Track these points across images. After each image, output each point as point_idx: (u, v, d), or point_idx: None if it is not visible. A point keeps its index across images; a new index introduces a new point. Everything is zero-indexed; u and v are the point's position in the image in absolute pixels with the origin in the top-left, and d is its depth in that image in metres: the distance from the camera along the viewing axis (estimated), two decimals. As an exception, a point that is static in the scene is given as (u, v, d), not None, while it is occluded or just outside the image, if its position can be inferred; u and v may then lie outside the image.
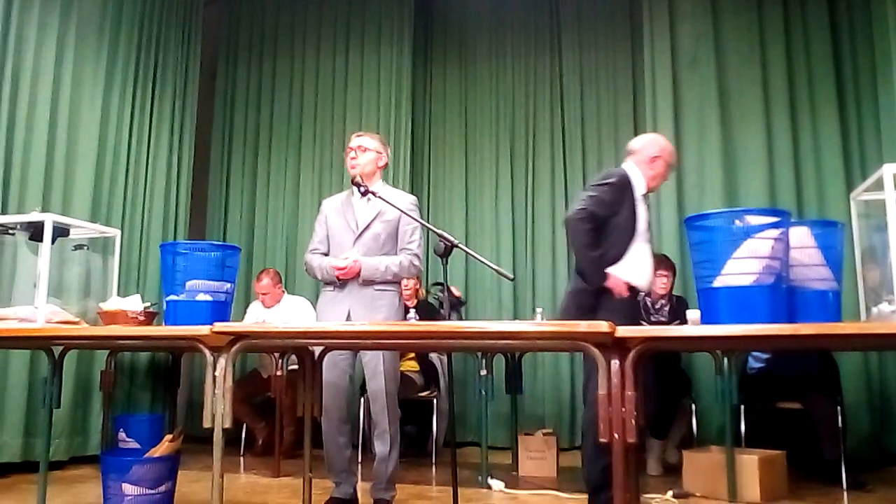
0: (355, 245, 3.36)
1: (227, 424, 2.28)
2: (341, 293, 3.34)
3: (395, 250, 3.39)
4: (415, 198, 3.54)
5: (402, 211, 3.27)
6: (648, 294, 4.63)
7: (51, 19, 4.76)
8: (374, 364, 3.30)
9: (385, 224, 3.38)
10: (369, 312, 3.27)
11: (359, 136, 3.51)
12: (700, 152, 5.35)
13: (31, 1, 4.63)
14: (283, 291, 5.53)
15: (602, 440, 1.92)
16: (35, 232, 3.42)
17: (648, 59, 5.58)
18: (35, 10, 4.65)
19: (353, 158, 3.43)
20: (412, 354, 5.08)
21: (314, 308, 5.38)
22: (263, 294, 5.40)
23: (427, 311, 5.23)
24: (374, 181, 3.44)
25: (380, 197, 3.29)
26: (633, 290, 3.13)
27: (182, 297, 2.65)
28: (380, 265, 3.30)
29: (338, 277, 3.29)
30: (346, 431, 3.36)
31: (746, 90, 5.34)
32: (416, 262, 3.39)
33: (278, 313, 5.36)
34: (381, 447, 3.32)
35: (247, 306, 5.77)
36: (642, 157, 3.34)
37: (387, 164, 3.55)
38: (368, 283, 3.31)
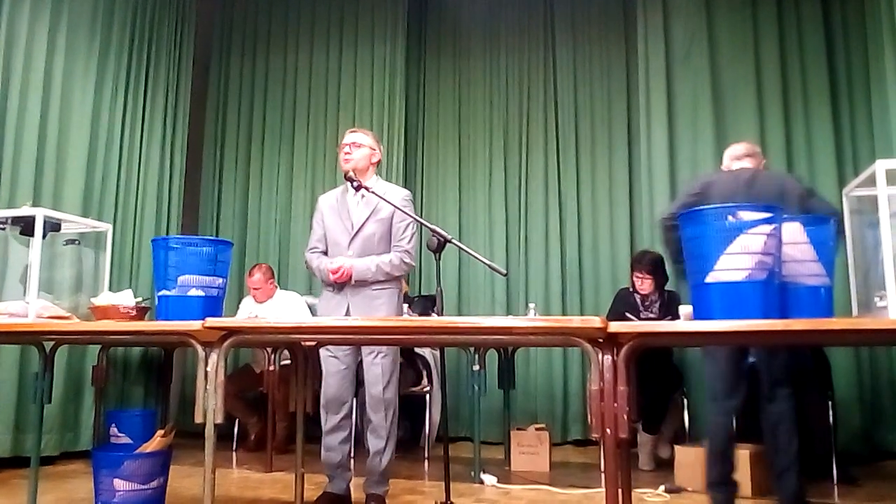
0: (351, 245, 3.38)
1: (220, 419, 2.27)
2: (340, 293, 3.36)
3: (391, 247, 3.40)
4: (408, 192, 3.54)
5: (395, 206, 3.29)
6: (637, 291, 4.64)
7: (42, 12, 4.73)
8: (373, 358, 3.31)
9: (379, 223, 3.40)
10: (369, 311, 3.30)
11: (352, 132, 3.52)
12: (693, 148, 5.36)
13: (22, -7, 4.61)
14: (276, 286, 5.52)
15: (594, 435, 1.93)
16: (26, 226, 3.40)
17: (642, 55, 5.59)
18: (26, 2, 4.61)
19: (346, 153, 3.43)
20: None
21: (306, 303, 5.41)
22: (255, 289, 5.39)
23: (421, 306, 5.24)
24: (368, 177, 3.45)
25: (372, 192, 3.30)
26: None
27: (174, 292, 2.63)
28: (371, 265, 3.31)
29: (334, 281, 3.32)
30: (346, 427, 3.38)
31: (740, 86, 5.35)
32: (407, 259, 3.40)
33: (270, 308, 5.35)
34: (375, 442, 3.32)
35: (239, 301, 5.75)
36: (759, 159, 3.50)
37: (380, 160, 3.57)
38: (364, 283, 3.32)
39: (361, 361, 3.39)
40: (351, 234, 3.40)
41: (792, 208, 3.10)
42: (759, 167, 3.46)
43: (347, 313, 3.31)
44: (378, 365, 3.30)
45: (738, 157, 3.49)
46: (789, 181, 3.41)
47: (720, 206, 2.27)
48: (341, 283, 3.34)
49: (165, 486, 3.33)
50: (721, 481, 3.19)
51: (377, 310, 3.32)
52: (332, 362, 3.34)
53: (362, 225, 3.40)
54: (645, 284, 4.60)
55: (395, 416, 3.36)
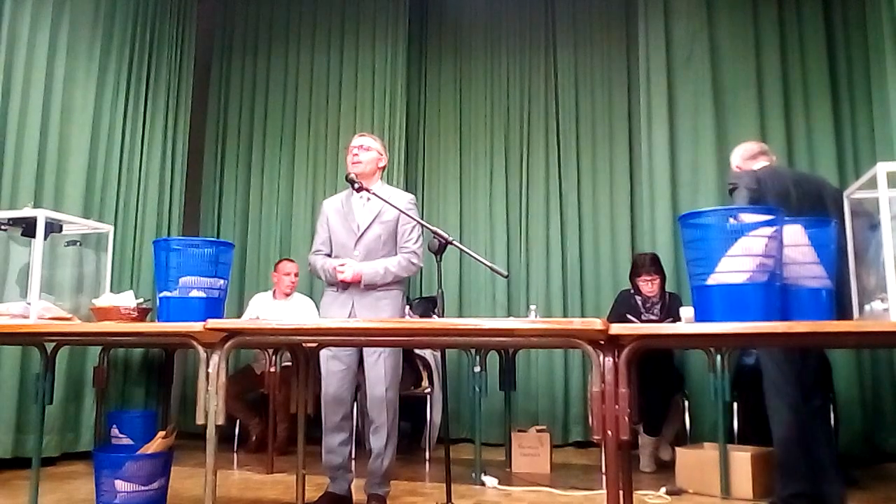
0: (357, 247, 3.38)
1: (221, 421, 2.27)
2: (344, 293, 3.36)
3: (396, 249, 3.41)
4: (413, 196, 3.57)
5: (400, 210, 3.30)
6: (639, 292, 4.64)
7: (44, 13, 4.74)
8: (375, 359, 3.32)
9: (384, 225, 3.41)
10: (373, 312, 3.30)
11: (361, 136, 3.55)
12: (694, 150, 5.36)
13: (24, -5, 4.61)
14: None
15: (596, 437, 1.93)
16: (27, 228, 3.40)
17: (643, 56, 5.59)
18: (28, 3, 4.62)
19: (355, 156, 3.45)
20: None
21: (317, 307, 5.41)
22: (286, 274, 5.37)
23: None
24: (374, 181, 3.47)
25: (374, 193, 3.32)
26: None
27: (175, 293, 2.63)
28: (379, 269, 3.32)
29: (341, 280, 3.32)
30: (346, 428, 3.39)
31: (741, 88, 5.36)
32: (415, 261, 3.41)
33: (289, 308, 5.34)
34: (377, 443, 3.32)
35: (241, 303, 5.77)
36: (772, 157, 3.60)
37: (386, 165, 3.59)
38: (371, 286, 3.32)
39: (362, 363, 3.39)
40: (356, 235, 3.40)
41: (829, 211, 3.12)
42: (773, 165, 3.48)
43: (352, 314, 3.31)
44: (380, 366, 3.30)
45: (753, 156, 3.50)
46: (825, 184, 3.45)
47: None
48: (346, 283, 3.35)
49: (167, 487, 3.33)
50: (807, 492, 3.13)
51: (382, 310, 3.33)
52: (334, 363, 3.34)
53: (367, 227, 3.41)
54: (654, 286, 4.60)
55: (395, 417, 3.37)
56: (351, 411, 3.48)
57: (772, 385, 3.23)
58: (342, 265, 3.31)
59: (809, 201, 3.22)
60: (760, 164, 3.45)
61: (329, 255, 3.48)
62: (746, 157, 3.53)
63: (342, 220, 3.48)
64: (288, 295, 5.43)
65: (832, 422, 4.16)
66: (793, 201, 3.20)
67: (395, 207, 3.31)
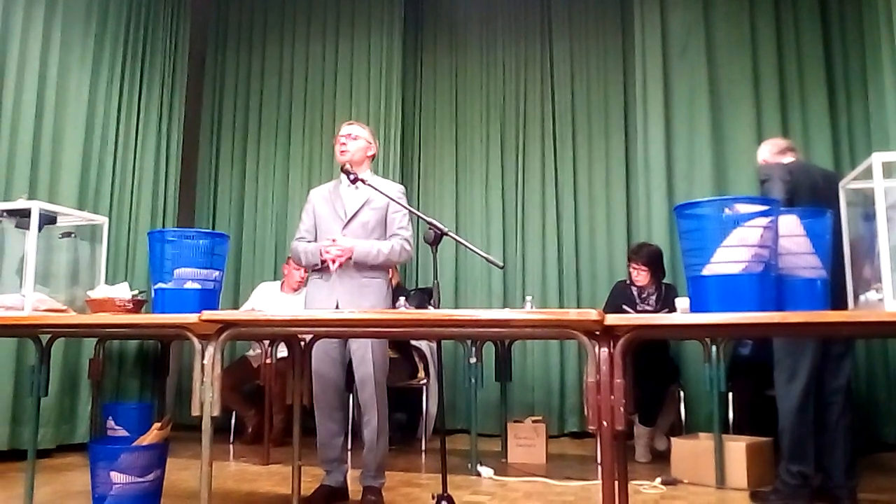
0: (344, 231, 3.36)
1: (216, 412, 2.27)
2: (329, 281, 3.33)
3: (384, 238, 3.39)
4: (403, 187, 3.56)
5: (390, 198, 3.28)
6: (633, 283, 4.65)
7: (37, 4, 4.71)
8: (363, 352, 3.31)
9: (374, 211, 3.39)
10: (357, 300, 3.27)
11: (349, 124, 3.53)
12: (690, 141, 5.37)
13: (17, -15, 4.58)
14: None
15: (591, 427, 1.93)
16: (22, 219, 3.38)
17: (639, 48, 5.58)
18: (21, -6, 4.60)
19: (342, 145, 3.43)
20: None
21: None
22: (297, 270, 5.35)
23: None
24: (363, 170, 3.45)
25: (368, 184, 3.29)
26: None
27: (170, 284, 2.62)
28: (372, 249, 3.30)
29: (332, 261, 3.27)
30: (338, 419, 3.38)
31: (736, 79, 5.36)
32: (408, 247, 3.40)
33: (295, 302, 5.31)
34: (369, 435, 3.32)
35: (236, 294, 5.75)
36: (798, 153, 3.64)
37: (375, 154, 3.57)
38: (361, 267, 3.29)
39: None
40: (344, 220, 3.38)
41: None
42: (801, 160, 3.55)
43: (336, 302, 3.29)
44: (368, 360, 3.30)
45: (781, 151, 3.55)
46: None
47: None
48: (329, 269, 3.30)
49: (162, 478, 3.33)
50: (807, 473, 3.27)
51: (365, 298, 3.29)
52: (324, 357, 3.32)
53: (357, 212, 3.39)
54: (641, 276, 4.61)
55: (386, 408, 3.37)
56: (345, 403, 3.47)
57: (787, 368, 3.31)
58: (332, 242, 3.27)
59: (837, 196, 3.25)
60: (788, 159, 3.49)
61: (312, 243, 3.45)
62: (775, 151, 3.57)
63: (329, 206, 3.45)
64: (296, 290, 5.42)
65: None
66: (822, 195, 3.24)
67: (385, 195, 3.27)
